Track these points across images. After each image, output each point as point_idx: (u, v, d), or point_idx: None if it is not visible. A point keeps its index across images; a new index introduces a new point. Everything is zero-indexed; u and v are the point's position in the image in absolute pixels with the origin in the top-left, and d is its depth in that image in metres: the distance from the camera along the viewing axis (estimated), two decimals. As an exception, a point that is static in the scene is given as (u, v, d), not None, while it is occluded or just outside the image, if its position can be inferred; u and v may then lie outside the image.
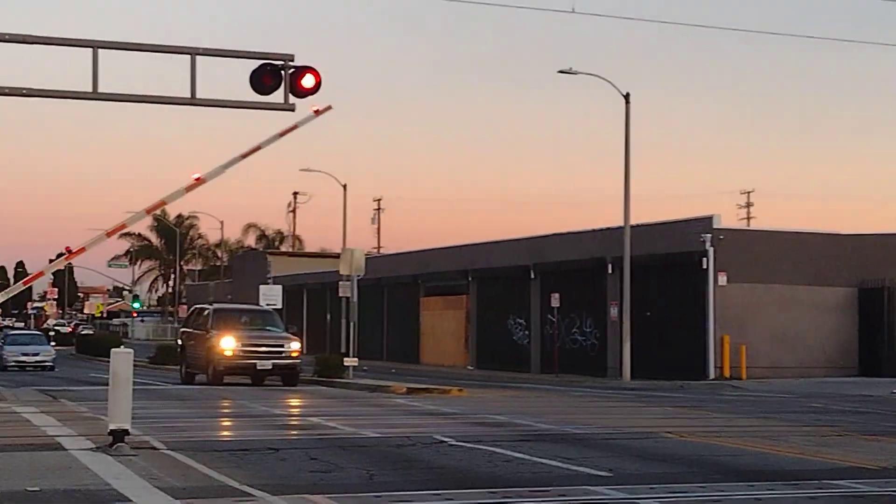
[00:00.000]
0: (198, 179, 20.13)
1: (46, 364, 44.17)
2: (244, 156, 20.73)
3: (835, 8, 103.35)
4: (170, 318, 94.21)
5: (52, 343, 51.50)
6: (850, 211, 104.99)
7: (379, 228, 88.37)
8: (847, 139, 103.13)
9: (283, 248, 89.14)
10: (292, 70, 20.41)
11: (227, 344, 29.06)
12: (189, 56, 19.84)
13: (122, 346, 15.03)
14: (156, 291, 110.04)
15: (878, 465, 12.41)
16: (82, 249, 20.74)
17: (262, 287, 39.89)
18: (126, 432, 13.11)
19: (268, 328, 30.63)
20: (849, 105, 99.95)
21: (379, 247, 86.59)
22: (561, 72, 35.85)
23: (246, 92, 20.09)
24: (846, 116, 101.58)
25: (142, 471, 11.38)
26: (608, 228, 40.14)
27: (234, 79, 21.82)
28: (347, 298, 40.20)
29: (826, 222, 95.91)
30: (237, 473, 11.30)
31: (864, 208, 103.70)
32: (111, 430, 13.11)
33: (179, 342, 33.31)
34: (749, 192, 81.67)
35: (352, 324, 32.79)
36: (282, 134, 22.85)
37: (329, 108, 21.16)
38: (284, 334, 30.48)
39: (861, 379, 34.59)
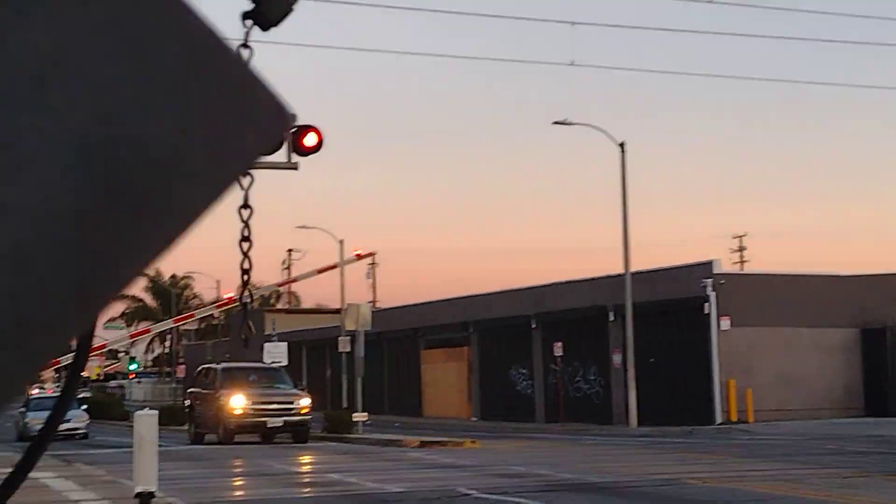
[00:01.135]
0: (230, 300, 20.16)
1: (79, 431, 36.37)
2: (280, 285, 20.57)
3: (823, 51, 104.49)
4: (167, 379, 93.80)
5: (83, 407, 42.52)
6: (847, 252, 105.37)
7: (374, 282, 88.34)
8: (840, 180, 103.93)
9: (279, 305, 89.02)
10: (294, 129, 20.63)
11: (238, 402, 29.00)
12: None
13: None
14: (152, 352, 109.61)
15: (907, 504, 12.45)
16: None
17: (266, 345, 39.84)
18: (152, 495, 13.10)
19: (277, 385, 30.60)
20: (843, 146, 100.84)
21: (375, 301, 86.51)
22: (556, 123, 36.16)
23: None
24: (839, 158, 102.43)
25: (175, 533, 11.37)
26: (608, 276, 40.25)
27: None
28: (349, 353, 40.25)
29: (822, 264, 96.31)
30: (271, 532, 11.30)
31: (862, 249, 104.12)
32: (137, 492, 13.09)
33: (188, 402, 33.22)
34: (741, 237, 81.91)
35: (359, 379, 32.75)
36: (321, 271, 22.75)
37: (372, 254, 21.23)
38: (294, 391, 30.43)
39: (868, 419, 34.59)
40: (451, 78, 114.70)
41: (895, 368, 36.59)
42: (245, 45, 1.35)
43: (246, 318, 1.93)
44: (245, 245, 1.57)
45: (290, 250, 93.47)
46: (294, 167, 20.78)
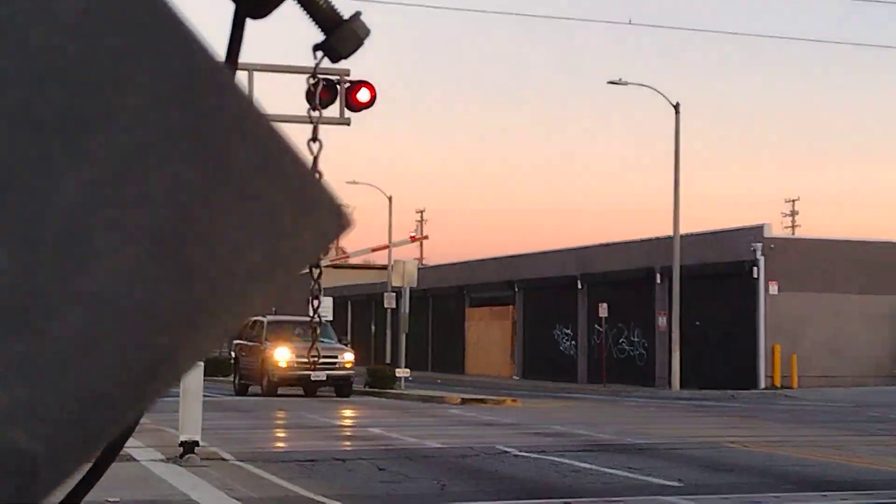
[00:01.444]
0: None
1: None
2: (332, 261, 20.67)
3: (888, 10, 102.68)
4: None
5: None
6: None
7: (422, 240, 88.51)
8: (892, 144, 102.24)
9: (325, 261, 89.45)
10: (348, 85, 20.60)
11: (282, 355, 29.31)
12: (247, 72, 20.11)
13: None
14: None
15: (949, 474, 12.35)
16: None
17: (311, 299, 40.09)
18: (196, 444, 13.29)
19: (321, 339, 30.85)
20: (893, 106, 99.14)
21: (421, 258, 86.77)
22: (610, 83, 35.91)
23: (301, 107, 20.30)
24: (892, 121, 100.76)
25: (216, 482, 11.54)
26: (657, 238, 40.05)
27: (288, 94, 22.19)
28: (394, 309, 40.51)
29: (875, 230, 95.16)
30: (309, 484, 11.43)
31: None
32: (182, 441, 13.29)
33: (233, 354, 33.62)
34: (794, 201, 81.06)
35: (403, 335, 32.93)
36: (374, 250, 22.90)
37: (426, 237, 21.42)
38: (338, 345, 30.68)
39: (915, 388, 34.25)
40: (505, 35, 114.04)
41: (945, 337, 36.16)
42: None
43: (315, 338, 1.94)
44: (316, 272, 1.64)
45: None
46: (346, 123, 20.82)
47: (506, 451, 14.44)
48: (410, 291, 35.14)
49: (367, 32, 1.32)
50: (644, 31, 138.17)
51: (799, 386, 34.34)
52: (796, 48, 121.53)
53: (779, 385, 34.57)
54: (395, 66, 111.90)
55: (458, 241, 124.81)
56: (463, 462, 13.42)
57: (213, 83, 0.97)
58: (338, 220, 1.04)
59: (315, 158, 1.44)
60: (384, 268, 52.76)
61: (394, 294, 40.71)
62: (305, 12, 1.30)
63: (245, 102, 0.99)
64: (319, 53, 1.33)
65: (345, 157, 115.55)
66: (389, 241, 54.81)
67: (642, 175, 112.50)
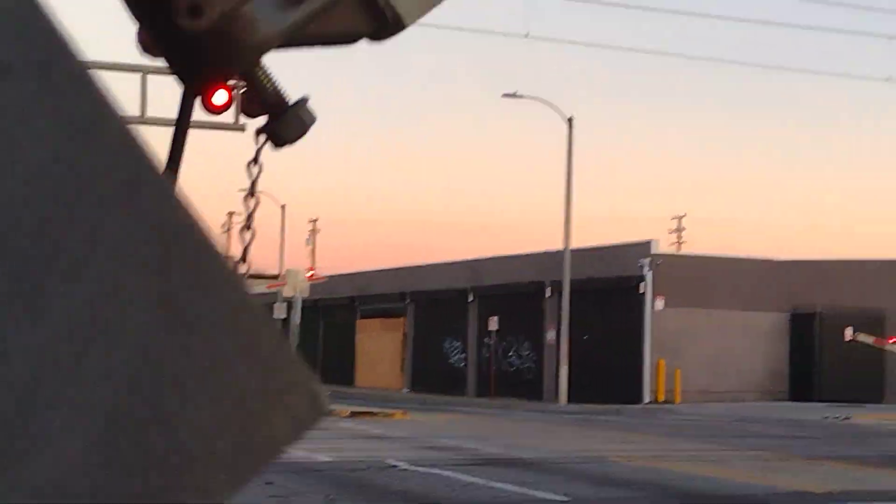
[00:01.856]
0: None
1: None
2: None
3: (770, 37, 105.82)
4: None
5: None
6: (782, 237, 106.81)
7: (314, 249, 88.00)
8: (781, 164, 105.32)
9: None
10: (244, 90, 20.43)
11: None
12: (140, 74, 19.84)
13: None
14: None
15: (823, 489, 12.77)
16: None
17: (200, 308, 39.50)
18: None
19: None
20: (782, 129, 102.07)
21: (313, 268, 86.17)
22: (505, 95, 36.28)
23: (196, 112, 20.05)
24: (780, 141, 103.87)
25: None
26: (546, 252, 40.52)
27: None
28: (284, 320, 40.19)
29: (758, 248, 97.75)
30: (197, 498, 11.31)
31: (797, 234, 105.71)
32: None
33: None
34: (681, 217, 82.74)
35: (293, 346, 32.66)
36: (269, 287, 22.71)
37: (323, 278, 21.31)
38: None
39: (792, 404, 35.31)
40: (399, 44, 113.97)
41: (822, 354, 37.35)
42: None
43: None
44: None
45: (230, 213, 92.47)
46: (241, 129, 20.61)
47: (395, 465, 14.48)
48: (302, 302, 34.86)
49: (312, 120, 1.26)
50: (541, 45, 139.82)
51: (682, 401, 35.09)
52: (688, 68, 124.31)
53: (662, 399, 35.28)
54: (290, 73, 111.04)
55: (350, 252, 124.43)
56: (352, 476, 13.42)
57: (190, 243, 0.87)
58: (313, 405, 0.95)
59: (246, 248, 1.36)
60: (275, 277, 52.28)
61: (284, 304, 40.38)
62: (251, 93, 1.24)
63: (222, 265, 0.90)
64: (262, 137, 1.26)
65: (238, 164, 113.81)
66: (281, 249, 54.39)
67: (535, 189, 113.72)
